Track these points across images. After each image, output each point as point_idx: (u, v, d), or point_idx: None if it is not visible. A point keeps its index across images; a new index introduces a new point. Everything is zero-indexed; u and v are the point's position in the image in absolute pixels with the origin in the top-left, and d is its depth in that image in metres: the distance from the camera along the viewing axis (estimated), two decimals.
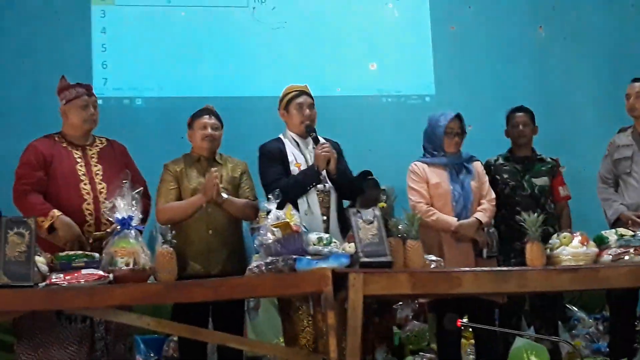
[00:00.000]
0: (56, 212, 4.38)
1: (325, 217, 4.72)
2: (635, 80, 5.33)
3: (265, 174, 4.78)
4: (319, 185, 4.72)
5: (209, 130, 4.81)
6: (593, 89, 8.10)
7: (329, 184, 4.75)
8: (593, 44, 8.35)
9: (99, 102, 4.89)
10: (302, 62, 7.92)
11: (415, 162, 5.01)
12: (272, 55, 8.03)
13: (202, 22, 8.01)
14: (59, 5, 7.62)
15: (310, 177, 4.70)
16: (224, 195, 4.65)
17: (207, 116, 4.85)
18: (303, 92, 4.89)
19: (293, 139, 4.86)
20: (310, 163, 4.76)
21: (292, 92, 4.89)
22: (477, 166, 5.08)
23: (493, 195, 5.05)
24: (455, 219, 4.85)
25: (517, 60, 8.26)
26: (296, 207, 4.55)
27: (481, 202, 4.98)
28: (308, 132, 4.81)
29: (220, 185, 4.66)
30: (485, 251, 4.80)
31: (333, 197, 4.77)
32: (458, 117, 4.99)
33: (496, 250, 4.93)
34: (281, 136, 4.91)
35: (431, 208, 4.88)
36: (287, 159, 4.79)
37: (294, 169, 4.77)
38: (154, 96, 7.79)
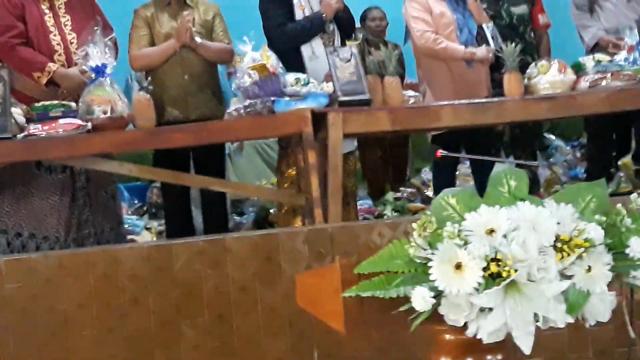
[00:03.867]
0: (52, 66, 4.30)
1: None
2: None
3: (267, 17, 4.67)
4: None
5: None
6: None
7: (333, 25, 4.69)
8: None
9: None
10: None
11: None
12: None
13: None
14: None
15: (317, 26, 4.63)
16: (198, 40, 4.58)
17: None
18: None
19: None
20: (314, 6, 4.67)
21: None
22: None
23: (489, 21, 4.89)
24: (463, 47, 4.74)
25: None
26: (299, 52, 4.55)
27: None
28: None
29: (194, 29, 4.58)
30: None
31: (337, 37, 4.71)
32: None
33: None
34: None
35: (439, 37, 4.76)
36: (292, 1, 4.68)
37: (299, 12, 4.67)
38: None
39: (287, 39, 4.46)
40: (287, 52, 4.41)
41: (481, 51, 4.71)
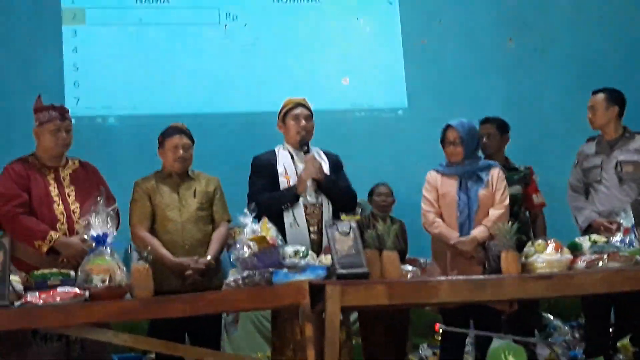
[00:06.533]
0: (53, 235, 4.37)
1: (314, 229, 4.72)
2: (595, 92, 5.38)
3: (251, 185, 4.89)
4: (308, 198, 4.76)
5: (181, 152, 4.81)
6: (562, 99, 8.18)
7: (321, 197, 4.78)
8: (561, 55, 8.46)
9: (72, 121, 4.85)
10: (275, 78, 7.96)
11: (431, 171, 5.01)
12: (245, 71, 8.05)
13: (174, 40, 8.04)
14: (30, 26, 7.62)
15: (285, 197, 4.76)
16: (212, 261, 4.72)
17: (178, 136, 4.85)
18: (300, 104, 4.93)
19: (288, 151, 4.90)
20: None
21: (290, 104, 4.94)
22: (493, 173, 4.95)
23: (505, 202, 4.92)
24: (457, 234, 4.82)
25: (488, 72, 8.33)
26: (282, 220, 4.65)
27: (490, 211, 4.88)
28: (301, 144, 4.85)
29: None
30: (486, 266, 4.46)
31: (326, 209, 4.78)
32: (451, 126, 4.94)
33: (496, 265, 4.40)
34: (276, 148, 4.95)
35: (437, 220, 4.89)
36: (277, 170, 4.84)
37: (283, 181, 4.82)
38: (127, 114, 7.78)
39: (259, 208, 4.50)
40: (270, 218, 4.46)
41: (464, 244, 4.78)
